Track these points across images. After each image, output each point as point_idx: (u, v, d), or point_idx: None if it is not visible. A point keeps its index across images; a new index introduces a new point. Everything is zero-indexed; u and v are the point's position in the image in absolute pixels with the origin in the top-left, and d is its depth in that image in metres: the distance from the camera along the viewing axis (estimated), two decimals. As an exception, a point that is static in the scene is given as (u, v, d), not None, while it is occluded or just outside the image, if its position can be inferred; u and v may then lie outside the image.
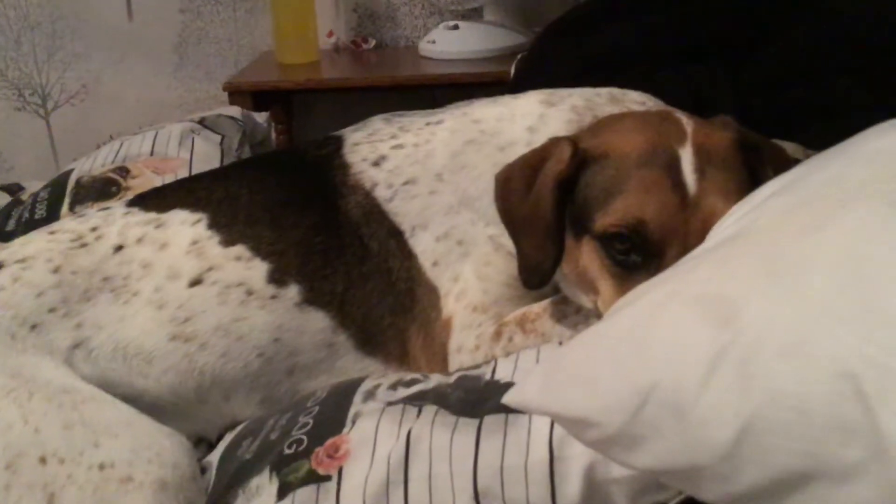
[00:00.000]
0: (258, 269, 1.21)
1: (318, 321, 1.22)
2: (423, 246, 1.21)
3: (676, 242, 0.97)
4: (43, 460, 1.03)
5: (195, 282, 1.20)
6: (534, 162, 1.10)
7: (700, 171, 1.00)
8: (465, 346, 1.18)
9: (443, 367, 1.19)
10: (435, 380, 1.10)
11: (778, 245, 0.69)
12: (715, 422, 0.64)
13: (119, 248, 1.22)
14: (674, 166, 1.00)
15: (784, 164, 1.03)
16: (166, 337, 1.19)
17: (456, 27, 2.53)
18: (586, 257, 1.06)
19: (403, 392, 1.07)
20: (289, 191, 1.28)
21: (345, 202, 1.25)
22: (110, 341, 1.18)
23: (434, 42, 2.55)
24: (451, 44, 2.51)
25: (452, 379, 1.08)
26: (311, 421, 1.07)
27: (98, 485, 1.03)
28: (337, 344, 1.22)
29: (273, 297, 1.21)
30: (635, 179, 1.01)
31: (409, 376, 1.13)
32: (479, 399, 1.00)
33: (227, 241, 1.22)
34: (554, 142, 1.10)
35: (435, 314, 1.21)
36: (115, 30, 2.80)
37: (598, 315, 1.06)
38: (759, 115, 1.46)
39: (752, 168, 1.04)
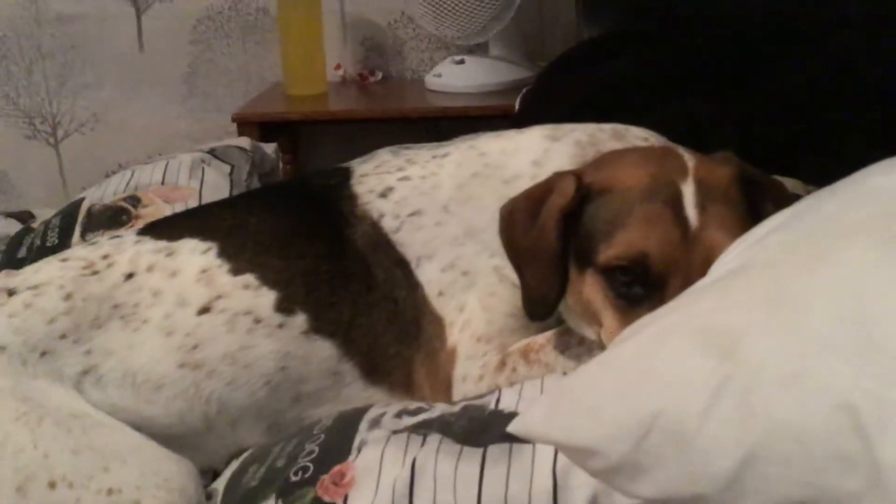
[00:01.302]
0: (266, 298, 1.23)
1: (324, 350, 1.23)
2: (429, 276, 1.23)
3: (679, 275, 0.99)
4: (52, 485, 1.05)
5: (204, 310, 1.22)
6: (538, 195, 1.12)
7: (701, 205, 1.02)
8: (470, 376, 1.19)
9: (447, 396, 1.20)
10: (440, 409, 1.11)
11: (778, 279, 0.71)
12: (717, 451, 0.65)
13: (130, 275, 1.24)
14: (676, 201, 1.02)
15: (784, 199, 1.04)
16: (175, 364, 1.20)
17: (462, 61, 2.56)
18: (590, 289, 1.07)
19: (408, 420, 1.08)
20: (297, 220, 1.30)
21: (352, 232, 1.26)
22: (119, 368, 1.19)
23: (440, 75, 2.58)
24: (456, 77, 2.55)
25: (457, 408, 1.09)
26: (316, 448, 1.08)
27: None
28: (343, 372, 1.24)
29: (280, 325, 1.22)
30: (638, 213, 1.03)
31: (413, 405, 1.14)
32: (483, 428, 1.01)
33: (236, 270, 1.24)
34: (558, 176, 1.12)
35: (440, 344, 1.22)
36: (125, 60, 2.84)
37: (602, 346, 1.07)
38: (759, 148, 1.48)
39: (753, 203, 1.06)
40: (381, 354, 1.24)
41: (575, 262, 1.09)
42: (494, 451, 0.96)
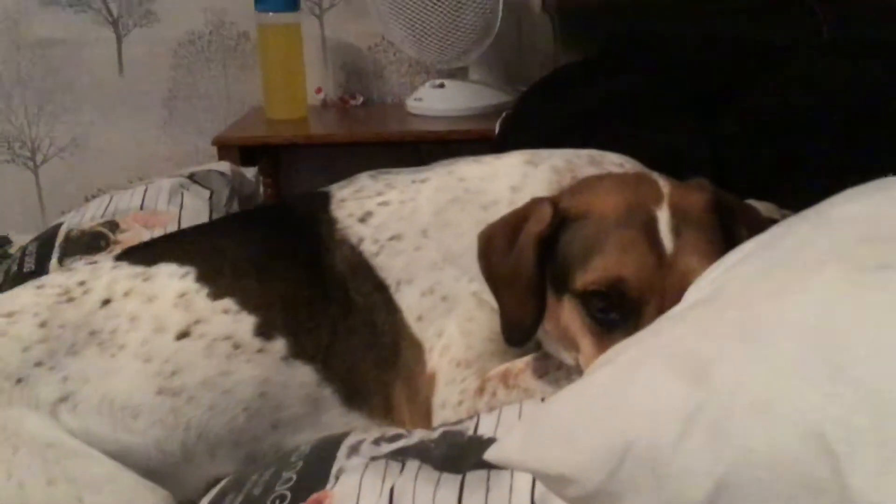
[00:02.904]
0: (245, 323, 1.23)
1: (303, 375, 1.23)
2: (409, 301, 1.23)
3: (654, 300, 1.00)
4: None
5: (182, 334, 1.21)
6: (515, 221, 1.13)
7: (676, 231, 1.03)
8: (449, 402, 1.19)
9: (426, 421, 1.20)
10: (418, 435, 1.10)
11: (749, 307, 0.72)
12: (690, 480, 0.66)
13: (106, 301, 1.23)
14: (651, 226, 1.03)
15: (758, 224, 1.06)
16: (153, 390, 1.19)
17: (442, 85, 2.58)
18: (567, 315, 1.08)
19: (387, 448, 1.08)
20: (276, 245, 1.30)
21: (331, 256, 1.26)
22: (96, 395, 1.19)
23: (421, 99, 2.60)
24: (437, 101, 2.57)
25: (435, 434, 1.09)
26: (294, 476, 1.07)
27: None
28: (322, 398, 1.23)
29: (259, 350, 1.22)
30: (614, 239, 1.04)
31: (391, 431, 1.13)
32: (461, 455, 1.01)
33: (215, 295, 1.24)
34: (535, 202, 1.13)
35: (419, 368, 1.22)
36: (105, 84, 2.84)
37: (580, 372, 1.08)
38: (735, 171, 1.50)
39: (727, 228, 1.07)
40: (360, 379, 1.23)
41: (552, 288, 1.10)
42: (472, 477, 0.96)
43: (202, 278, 1.25)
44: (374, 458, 1.05)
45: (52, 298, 1.23)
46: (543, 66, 2.47)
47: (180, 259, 1.27)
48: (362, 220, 1.28)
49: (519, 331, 1.13)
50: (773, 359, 0.66)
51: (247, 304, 1.23)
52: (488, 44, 2.46)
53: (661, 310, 0.96)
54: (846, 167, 1.17)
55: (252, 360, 1.21)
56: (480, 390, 1.18)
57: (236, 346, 1.21)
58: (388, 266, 1.24)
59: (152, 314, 1.22)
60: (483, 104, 2.53)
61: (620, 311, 1.02)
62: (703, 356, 0.70)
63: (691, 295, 0.88)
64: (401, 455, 1.04)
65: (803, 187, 1.05)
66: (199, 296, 1.24)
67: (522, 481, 0.92)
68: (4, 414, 1.14)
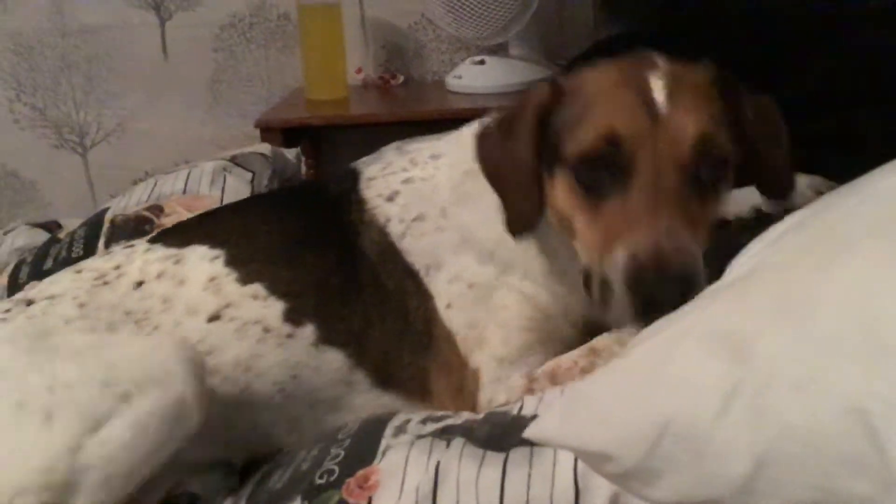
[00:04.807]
0: (274, 308, 1.23)
1: (335, 360, 1.23)
2: (438, 287, 1.22)
3: (647, 159, 0.99)
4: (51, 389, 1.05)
5: (214, 317, 1.22)
6: (512, 112, 1.13)
7: (671, 93, 1.02)
8: (496, 400, 1.17)
9: (472, 411, 1.20)
10: (464, 416, 1.11)
11: (790, 282, 0.71)
12: (730, 456, 0.66)
13: (139, 283, 1.25)
14: (644, 88, 1.03)
15: (768, 112, 1.07)
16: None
17: (482, 62, 2.56)
18: (560, 193, 1.07)
19: (432, 426, 1.09)
20: (306, 228, 1.29)
21: (361, 240, 1.26)
22: None
23: (461, 77, 2.58)
24: (477, 78, 2.55)
25: (480, 416, 1.10)
26: (342, 452, 1.09)
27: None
28: (354, 382, 1.24)
29: (289, 335, 1.22)
30: (605, 99, 1.04)
31: (438, 413, 1.14)
32: (505, 433, 1.02)
33: (245, 280, 1.24)
34: (533, 86, 1.13)
35: (457, 360, 1.21)
36: (150, 69, 2.87)
37: (581, 263, 1.07)
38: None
39: (732, 106, 1.06)
40: (395, 364, 1.23)
41: (548, 172, 1.09)
42: (516, 454, 0.97)
43: (232, 262, 1.26)
44: (420, 436, 1.06)
45: (89, 283, 1.26)
46: (584, 40, 2.44)
47: (211, 241, 1.28)
48: (390, 199, 1.27)
49: (521, 221, 1.12)
50: (814, 335, 0.65)
51: (276, 290, 1.24)
52: (528, 19, 2.44)
53: (655, 172, 0.95)
54: (893, 139, 1.15)
55: (283, 345, 1.22)
56: (528, 390, 1.16)
57: (266, 331, 1.22)
58: (415, 250, 1.23)
59: (184, 297, 1.23)
60: (524, 80, 2.50)
61: (612, 173, 1.01)
62: (742, 333, 0.69)
63: (732, 271, 0.88)
64: (446, 433, 1.05)
65: (852, 161, 1.02)
66: (229, 279, 1.24)
67: (566, 457, 0.92)
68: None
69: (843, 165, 1.25)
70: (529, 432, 0.80)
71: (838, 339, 0.64)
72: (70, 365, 1.08)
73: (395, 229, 1.25)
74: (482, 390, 1.19)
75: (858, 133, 1.47)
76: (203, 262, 1.26)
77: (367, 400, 1.24)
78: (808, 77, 1.58)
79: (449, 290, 1.22)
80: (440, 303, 1.22)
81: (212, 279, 1.25)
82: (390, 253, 1.24)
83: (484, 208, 1.17)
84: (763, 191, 1.21)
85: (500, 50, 2.60)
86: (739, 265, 0.87)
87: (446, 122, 2.57)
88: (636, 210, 0.99)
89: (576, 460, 0.91)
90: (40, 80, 2.92)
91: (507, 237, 1.15)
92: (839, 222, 0.76)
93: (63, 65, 2.91)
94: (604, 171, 1.01)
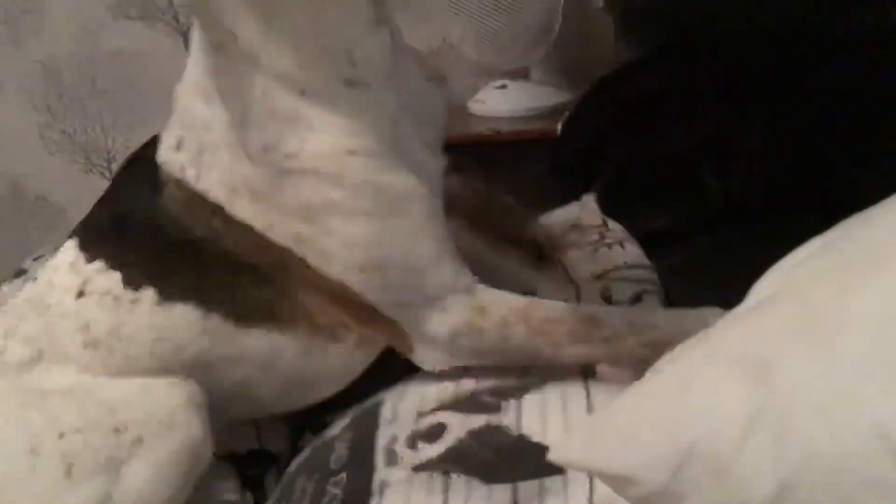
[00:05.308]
0: (115, 278, 1.26)
1: (186, 314, 1.24)
2: (246, 213, 1.19)
3: None
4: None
5: (80, 293, 1.27)
6: None
7: None
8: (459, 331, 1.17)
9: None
10: (454, 433, 1.06)
11: (812, 305, 0.71)
12: (754, 480, 0.66)
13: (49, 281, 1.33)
14: None
15: None
16: (81, 345, 1.25)
17: (504, 86, 2.58)
18: None
19: (426, 450, 1.05)
20: (131, 200, 1.32)
21: (162, 200, 1.24)
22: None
23: (482, 101, 2.60)
24: (499, 102, 2.56)
25: (476, 426, 1.06)
26: (339, 493, 1.06)
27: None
28: (214, 329, 1.24)
29: (134, 301, 1.25)
30: None
31: (425, 426, 1.09)
32: (508, 460, 0.99)
33: (90, 258, 1.29)
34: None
35: (313, 274, 1.18)
36: (176, 94, 2.91)
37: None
38: (790, 160, 1.47)
39: None
40: (244, 304, 1.23)
41: None
42: (525, 489, 0.95)
43: (81, 246, 1.31)
44: (415, 469, 1.03)
45: (24, 293, 1.34)
46: (606, 64, 2.45)
47: (77, 231, 1.35)
48: (178, 148, 1.25)
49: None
50: (837, 358, 0.65)
51: (113, 262, 1.27)
52: (550, 44, 2.46)
53: None
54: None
55: (134, 311, 1.24)
56: (501, 326, 1.15)
57: (116, 299, 1.25)
58: (211, 184, 1.20)
59: (59, 281, 1.30)
60: (546, 104, 2.52)
61: None
62: (766, 356, 0.69)
63: (756, 293, 0.87)
64: (443, 464, 1.02)
65: (872, 177, 1.02)
66: (80, 261, 1.29)
67: (578, 493, 0.92)
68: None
69: (850, 187, 1.24)
70: (553, 455, 0.80)
71: (864, 362, 0.64)
72: (69, 405, 1.14)
73: (190, 175, 1.22)
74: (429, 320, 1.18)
75: (874, 148, 1.46)
76: (68, 250, 1.33)
77: (251, 345, 1.24)
78: (821, 90, 1.58)
79: (255, 212, 1.18)
80: (258, 226, 1.18)
81: (71, 263, 1.31)
82: (193, 198, 1.22)
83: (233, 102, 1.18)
84: None
85: (521, 74, 2.62)
86: (764, 287, 0.87)
87: (469, 147, 2.61)
88: None
89: (590, 495, 0.90)
90: (69, 106, 2.96)
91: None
92: (867, 243, 0.76)
93: (92, 90, 2.95)
94: None
